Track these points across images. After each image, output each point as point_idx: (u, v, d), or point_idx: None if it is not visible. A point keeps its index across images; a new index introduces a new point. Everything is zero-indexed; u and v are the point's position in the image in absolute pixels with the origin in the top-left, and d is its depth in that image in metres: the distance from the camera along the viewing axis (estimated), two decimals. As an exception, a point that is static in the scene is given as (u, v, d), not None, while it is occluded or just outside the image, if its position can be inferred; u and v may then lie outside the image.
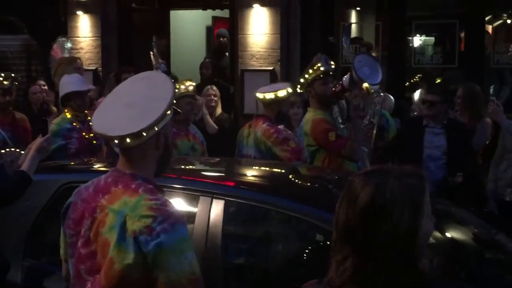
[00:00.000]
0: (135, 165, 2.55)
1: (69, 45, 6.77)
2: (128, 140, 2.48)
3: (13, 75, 6.61)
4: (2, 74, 6.50)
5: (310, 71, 5.42)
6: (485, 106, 6.36)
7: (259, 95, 5.77)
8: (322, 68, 5.38)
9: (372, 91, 5.20)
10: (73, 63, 6.74)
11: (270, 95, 5.88)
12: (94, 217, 2.51)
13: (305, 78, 5.44)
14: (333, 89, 5.35)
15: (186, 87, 5.78)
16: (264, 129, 5.54)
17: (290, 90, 6.02)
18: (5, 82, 6.36)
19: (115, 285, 2.40)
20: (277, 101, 5.72)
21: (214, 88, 8.04)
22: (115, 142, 2.52)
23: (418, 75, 9.94)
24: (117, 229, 2.42)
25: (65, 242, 2.66)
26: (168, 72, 6.36)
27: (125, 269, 2.38)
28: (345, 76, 5.34)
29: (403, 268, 1.93)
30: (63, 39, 6.94)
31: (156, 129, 2.50)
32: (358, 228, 1.94)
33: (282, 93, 5.81)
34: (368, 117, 5.26)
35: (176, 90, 5.62)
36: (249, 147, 5.75)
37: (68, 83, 6.13)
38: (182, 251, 2.40)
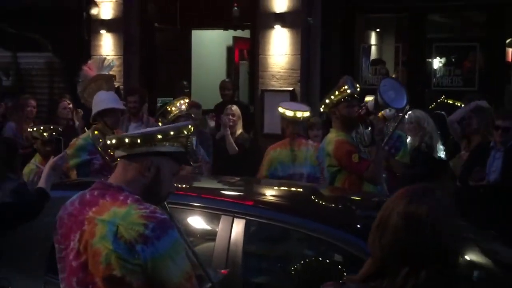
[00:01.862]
0: (122, 177, 2.69)
1: (114, 63, 6.86)
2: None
3: (52, 127, 6.76)
4: (42, 127, 6.67)
5: (337, 92, 5.42)
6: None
7: (280, 110, 5.94)
8: (348, 91, 5.39)
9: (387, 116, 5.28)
10: (110, 81, 6.81)
11: (290, 113, 6.00)
12: (82, 229, 2.60)
13: (330, 99, 5.44)
14: (359, 111, 5.36)
15: (178, 107, 5.82)
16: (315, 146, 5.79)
17: (307, 114, 6.12)
18: (44, 134, 6.50)
19: None
20: (294, 121, 5.92)
21: (234, 107, 8.05)
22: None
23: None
24: (111, 238, 2.52)
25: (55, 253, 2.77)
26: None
27: (126, 275, 2.49)
28: (370, 100, 5.36)
29: None
30: (105, 57, 7.04)
31: (146, 149, 2.67)
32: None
33: (299, 114, 5.97)
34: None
35: (168, 113, 5.72)
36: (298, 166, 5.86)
37: (105, 100, 6.13)
38: (178, 253, 2.56)
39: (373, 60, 10.57)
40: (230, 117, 7.85)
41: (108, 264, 2.51)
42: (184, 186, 4.75)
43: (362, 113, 5.31)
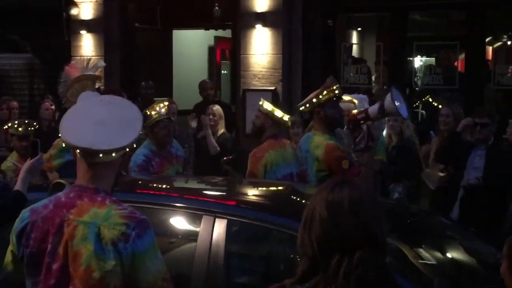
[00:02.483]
0: (100, 180, 2.68)
1: (102, 63, 6.80)
2: (113, 154, 2.64)
3: (26, 121, 6.71)
4: (16, 122, 6.63)
5: (325, 92, 5.36)
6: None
7: (268, 107, 5.93)
8: (337, 91, 5.35)
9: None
10: (95, 82, 6.77)
11: (279, 114, 5.99)
12: (61, 232, 2.59)
13: (318, 98, 5.35)
14: (357, 116, 5.29)
15: (158, 111, 5.79)
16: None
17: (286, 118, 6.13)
18: (19, 129, 6.46)
19: None
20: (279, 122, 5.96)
21: (215, 107, 8.05)
22: (97, 156, 2.63)
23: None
24: (92, 239, 2.54)
25: (15, 262, 2.71)
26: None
27: (106, 276, 2.52)
28: (374, 106, 5.31)
29: None
30: (91, 57, 6.97)
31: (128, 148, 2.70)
32: None
33: (286, 117, 5.99)
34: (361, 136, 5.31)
35: (148, 117, 5.68)
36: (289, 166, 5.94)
37: None
38: (155, 253, 2.61)
39: (354, 59, 10.59)
40: (211, 116, 7.85)
41: (88, 266, 2.52)
42: (165, 186, 4.73)
43: (359, 117, 5.24)
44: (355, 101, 5.91)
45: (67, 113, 2.78)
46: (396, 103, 5.12)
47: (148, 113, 5.80)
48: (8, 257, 2.75)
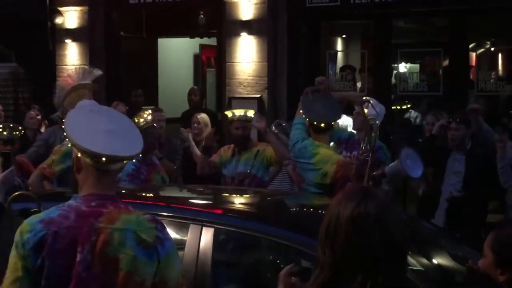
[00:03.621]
0: (112, 187, 2.77)
1: (99, 72, 6.80)
2: (125, 161, 2.78)
3: (11, 125, 6.67)
4: (1, 126, 6.59)
5: None
6: None
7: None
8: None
9: (369, 117, 5.28)
10: (92, 90, 6.77)
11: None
12: (91, 240, 2.60)
13: None
14: (374, 173, 5.34)
15: (145, 119, 5.84)
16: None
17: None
18: (4, 133, 6.43)
19: None
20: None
21: (200, 115, 8.02)
22: (118, 163, 2.72)
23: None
24: (132, 245, 2.62)
25: (29, 277, 2.60)
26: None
27: (146, 278, 2.62)
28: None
29: None
30: (91, 68, 6.95)
31: None
32: None
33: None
34: (365, 144, 5.31)
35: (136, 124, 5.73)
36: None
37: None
38: (177, 253, 2.80)
39: (342, 66, 10.65)
40: (195, 125, 7.82)
41: (129, 271, 2.60)
42: (152, 195, 4.74)
43: (377, 175, 5.26)
44: (371, 101, 6.02)
45: (70, 124, 2.74)
46: (408, 163, 5.21)
47: (136, 120, 5.83)
48: (16, 273, 2.61)
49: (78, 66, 10.39)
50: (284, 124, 6.23)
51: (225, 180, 6.40)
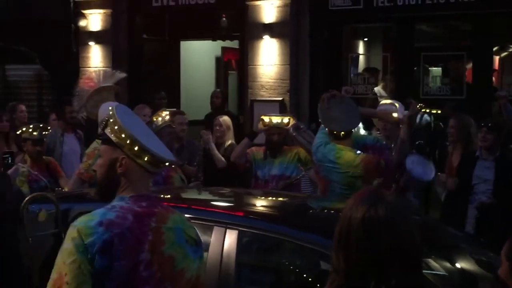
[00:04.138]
0: (147, 187, 2.84)
1: (123, 74, 6.85)
2: None
3: (41, 125, 6.74)
4: (31, 126, 6.66)
5: None
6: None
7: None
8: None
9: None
10: (114, 92, 6.83)
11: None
12: (149, 240, 2.65)
13: None
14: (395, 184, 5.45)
15: (163, 118, 5.89)
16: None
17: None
18: (34, 133, 6.50)
19: None
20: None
21: (223, 118, 8.01)
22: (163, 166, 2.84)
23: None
24: (182, 242, 2.72)
25: (88, 281, 2.56)
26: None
27: (193, 275, 2.74)
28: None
29: None
30: (114, 70, 6.98)
31: None
32: None
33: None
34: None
35: (154, 123, 5.78)
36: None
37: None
38: None
39: (364, 68, 10.62)
40: (217, 127, 7.82)
41: (182, 268, 2.70)
42: (175, 197, 4.76)
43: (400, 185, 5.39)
44: (397, 104, 6.09)
45: (129, 127, 2.72)
46: (418, 169, 5.30)
47: (155, 119, 5.88)
48: (82, 277, 2.54)
49: (101, 68, 10.51)
50: (302, 127, 6.25)
51: (257, 182, 6.48)
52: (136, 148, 2.67)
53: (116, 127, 2.70)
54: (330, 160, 5.34)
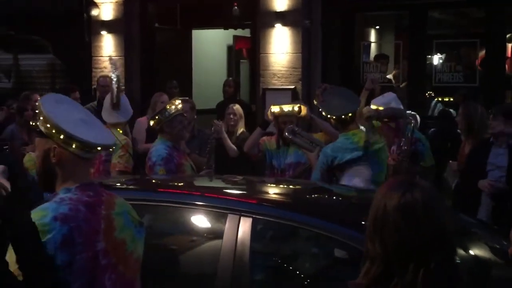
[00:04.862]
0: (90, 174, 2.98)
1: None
2: None
3: None
4: None
5: None
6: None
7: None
8: None
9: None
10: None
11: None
12: (102, 228, 2.71)
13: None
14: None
15: (176, 106, 5.91)
16: None
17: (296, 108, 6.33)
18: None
19: (137, 272, 2.85)
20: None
21: (236, 106, 8.02)
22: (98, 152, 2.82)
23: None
24: (130, 226, 2.84)
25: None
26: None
27: (140, 254, 2.87)
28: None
29: None
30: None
31: None
32: None
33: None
34: (402, 144, 5.48)
35: (167, 111, 5.82)
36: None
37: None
38: None
39: (376, 55, 10.59)
40: (231, 116, 7.83)
41: (132, 250, 2.80)
42: (187, 185, 4.79)
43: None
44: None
45: (55, 116, 2.68)
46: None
47: (168, 107, 5.89)
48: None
49: (114, 57, 10.54)
50: (297, 129, 6.25)
51: (273, 171, 6.46)
52: (62, 137, 2.65)
53: (42, 118, 2.68)
54: (351, 149, 5.56)
